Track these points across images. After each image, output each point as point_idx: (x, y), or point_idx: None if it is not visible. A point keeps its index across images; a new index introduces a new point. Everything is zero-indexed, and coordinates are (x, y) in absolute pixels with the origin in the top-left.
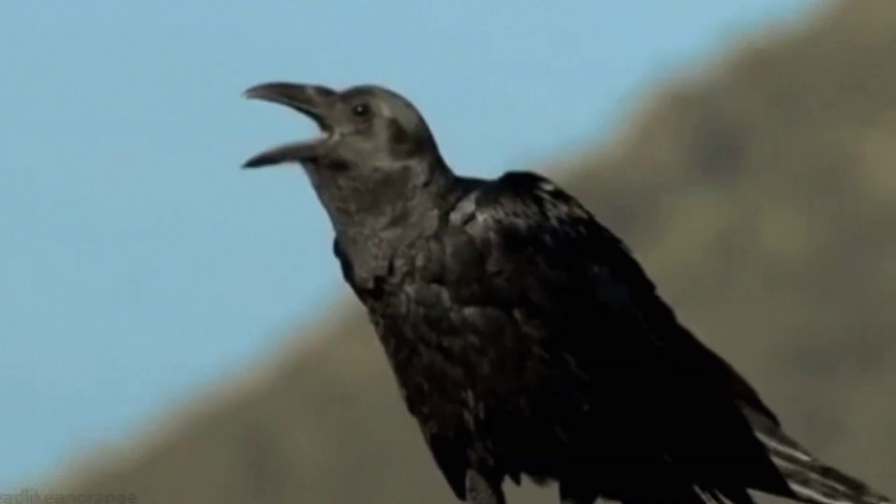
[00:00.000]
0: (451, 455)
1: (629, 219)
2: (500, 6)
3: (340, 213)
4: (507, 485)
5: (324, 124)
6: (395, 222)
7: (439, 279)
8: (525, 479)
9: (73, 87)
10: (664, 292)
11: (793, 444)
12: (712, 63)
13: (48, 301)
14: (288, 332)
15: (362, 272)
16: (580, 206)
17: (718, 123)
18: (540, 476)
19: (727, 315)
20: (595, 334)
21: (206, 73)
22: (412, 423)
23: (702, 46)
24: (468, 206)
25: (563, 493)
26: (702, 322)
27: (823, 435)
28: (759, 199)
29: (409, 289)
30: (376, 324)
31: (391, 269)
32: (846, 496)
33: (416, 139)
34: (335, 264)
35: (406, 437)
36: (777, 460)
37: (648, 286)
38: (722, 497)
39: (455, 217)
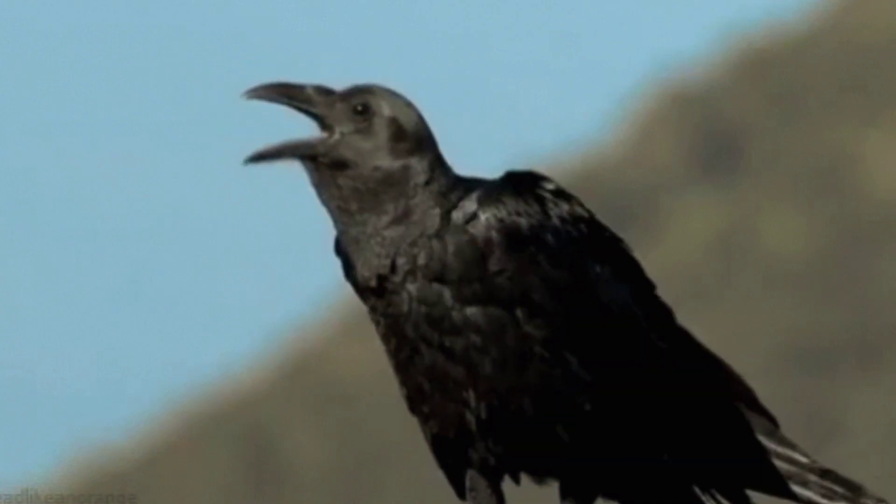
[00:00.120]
0: (451, 455)
1: (629, 219)
2: (500, 6)
3: (341, 213)
4: (507, 485)
5: (324, 124)
6: (397, 221)
7: (441, 278)
8: (525, 478)
9: (73, 87)
10: (664, 292)
11: (791, 446)
12: (712, 63)
13: (48, 301)
14: (288, 332)
15: (364, 271)
16: (581, 205)
17: (718, 123)
18: (540, 476)
19: (727, 315)
20: (596, 334)
21: (206, 73)
22: (412, 423)
23: (702, 46)
24: (470, 205)
25: (564, 493)
26: (702, 322)
27: (823, 435)
28: (759, 199)
29: (411, 287)
30: (377, 323)
31: (393, 268)
32: (844, 498)
33: (416, 138)
34: (335, 264)
35: (406, 437)
36: (776, 461)
37: (649, 286)
38: (720, 497)
39: (457, 216)
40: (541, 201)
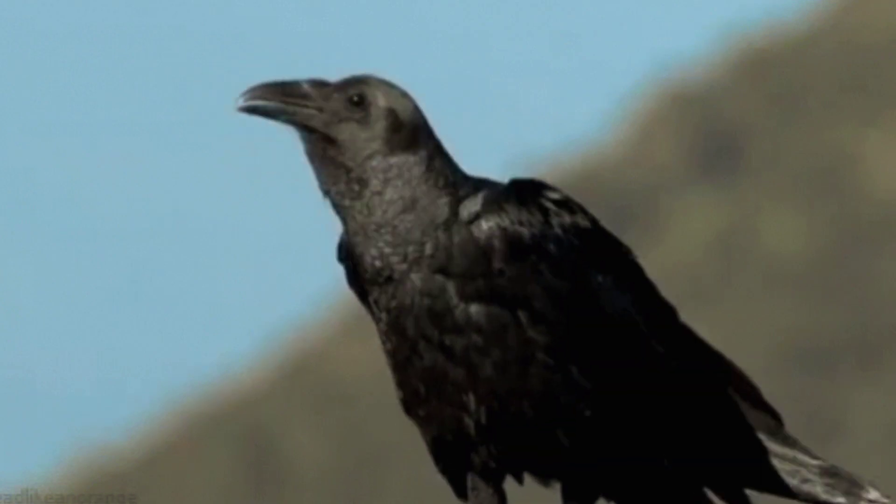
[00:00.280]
0: (451, 458)
1: (629, 219)
2: (500, 6)
3: (341, 198)
4: (508, 484)
5: None
6: (405, 210)
7: (445, 270)
8: (527, 478)
9: (73, 87)
10: (664, 292)
11: (796, 444)
12: (712, 63)
13: (48, 301)
14: (288, 332)
15: (373, 259)
16: (585, 214)
17: (718, 123)
18: (543, 478)
19: (727, 315)
20: (598, 342)
21: (206, 73)
22: (412, 423)
23: (702, 46)
24: (474, 206)
25: (566, 495)
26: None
27: (823, 435)
28: (759, 199)
29: (416, 277)
30: (378, 321)
31: (405, 257)
32: (849, 495)
33: (412, 128)
34: (335, 264)
35: (406, 437)
36: (779, 460)
37: (652, 291)
38: (719, 499)
39: (463, 212)
40: (544, 211)
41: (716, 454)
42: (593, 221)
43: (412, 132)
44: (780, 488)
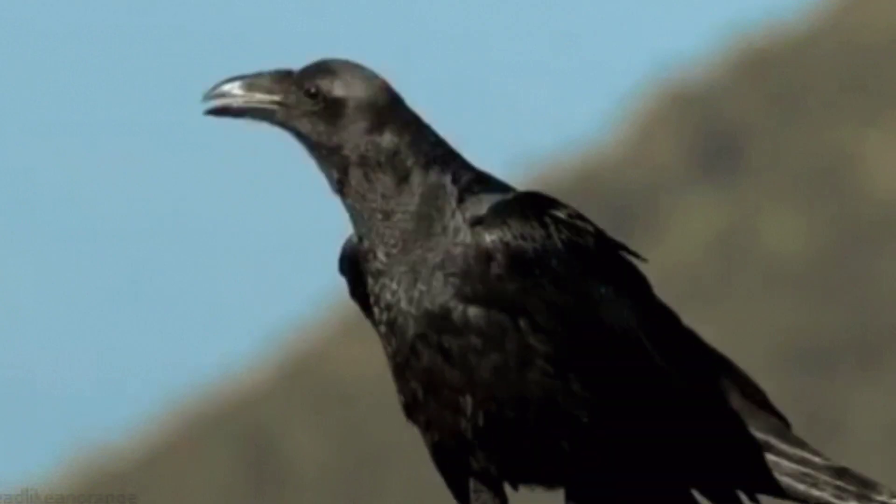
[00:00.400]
0: (451, 463)
1: (629, 219)
2: (500, 6)
3: (334, 192)
4: (508, 486)
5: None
6: (402, 202)
7: (443, 266)
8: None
9: (73, 87)
10: (664, 292)
11: (805, 446)
12: (712, 63)
13: (48, 301)
14: (288, 332)
15: (372, 244)
16: (590, 228)
17: (718, 123)
18: (543, 484)
19: (727, 315)
20: (599, 353)
21: (206, 73)
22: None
23: (702, 46)
24: (477, 209)
25: (568, 499)
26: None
27: (823, 435)
28: (759, 199)
29: (407, 272)
30: (379, 323)
31: (403, 247)
32: (858, 497)
33: (373, 111)
34: (335, 264)
35: (406, 437)
36: (787, 463)
37: (655, 301)
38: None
39: (466, 213)
40: (546, 225)
41: (718, 462)
42: (598, 235)
43: (377, 116)
44: (790, 492)
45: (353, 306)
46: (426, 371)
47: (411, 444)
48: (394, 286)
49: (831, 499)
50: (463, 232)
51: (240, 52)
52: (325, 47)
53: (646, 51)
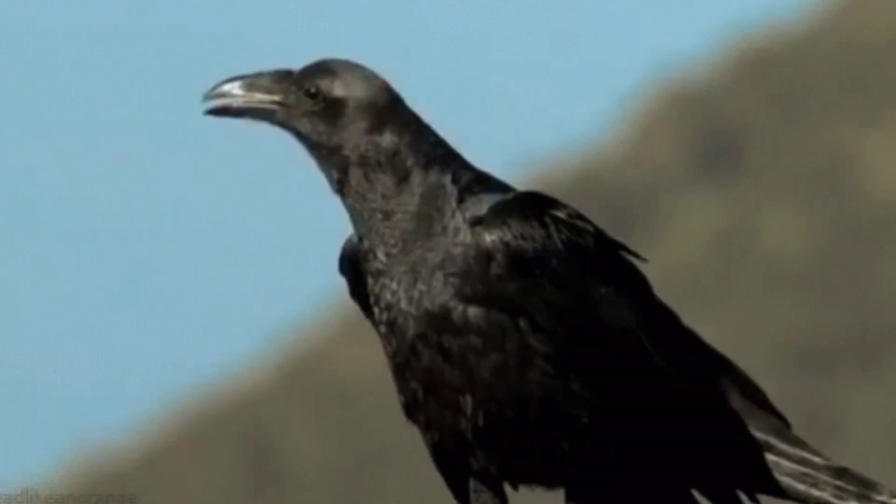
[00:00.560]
0: (452, 463)
1: (629, 219)
2: (500, 6)
3: (334, 183)
4: (508, 486)
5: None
6: (401, 202)
7: (443, 266)
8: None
9: (73, 87)
10: (664, 292)
11: (805, 446)
12: (712, 63)
13: (48, 301)
14: (288, 332)
15: (372, 244)
16: (590, 228)
17: (718, 123)
18: (543, 484)
19: (727, 315)
20: (599, 353)
21: (206, 73)
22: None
23: (702, 46)
24: (477, 209)
25: (568, 499)
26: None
27: (823, 435)
28: (759, 199)
29: (408, 272)
30: (380, 323)
31: (403, 247)
32: (858, 497)
33: (372, 112)
34: (335, 264)
35: (406, 437)
36: (787, 463)
37: (655, 302)
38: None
39: (467, 213)
40: (546, 225)
41: (718, 462)
42: (598, 235)
43: (377, 116)
44: (790, 492)
45: (353, 306)
46: (426, 371)
47: (411, 444)
48: (394, 286)
49: (831, 499)
50: (463, 232)
51: (240, 52)
52: (325, 47)
53: (646, 51)
